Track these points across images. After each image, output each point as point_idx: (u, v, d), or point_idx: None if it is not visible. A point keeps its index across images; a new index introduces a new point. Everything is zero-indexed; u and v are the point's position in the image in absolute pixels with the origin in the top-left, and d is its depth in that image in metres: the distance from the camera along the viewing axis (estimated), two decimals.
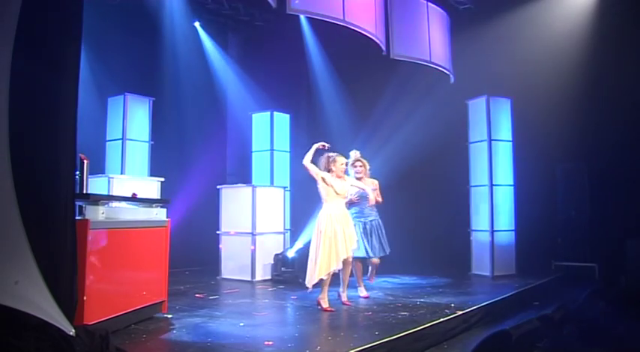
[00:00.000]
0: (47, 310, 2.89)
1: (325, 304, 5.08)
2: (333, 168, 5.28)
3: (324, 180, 5.21)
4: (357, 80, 9.65)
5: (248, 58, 10.70)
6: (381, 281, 6.84)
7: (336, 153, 5.38)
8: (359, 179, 5.83)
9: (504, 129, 7.98)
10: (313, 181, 5.31)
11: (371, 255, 5.75)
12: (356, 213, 5.77)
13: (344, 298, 5.38)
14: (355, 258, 5.56)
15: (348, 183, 5.42)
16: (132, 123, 7.81)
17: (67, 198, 3.20)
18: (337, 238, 5.08)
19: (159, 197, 6.79)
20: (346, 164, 5.58)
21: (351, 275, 5.59)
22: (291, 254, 7.27)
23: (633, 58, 7.37)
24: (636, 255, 6.89)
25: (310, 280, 5.11)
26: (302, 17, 9.26)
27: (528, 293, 6.50)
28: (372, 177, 6.02)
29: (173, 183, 8.00)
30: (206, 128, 9.78)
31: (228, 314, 5.00)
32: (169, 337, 4.08)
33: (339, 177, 5.31)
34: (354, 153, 5.92)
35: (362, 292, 5.85)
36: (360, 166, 5.87)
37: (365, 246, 5.70)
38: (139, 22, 8.53)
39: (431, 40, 7.97)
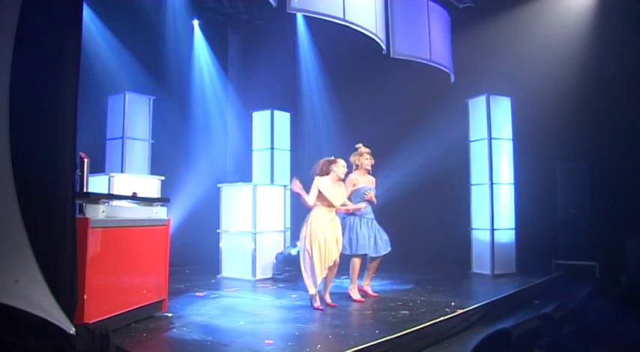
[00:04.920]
0: (47, 309, 2.89)
1: (316, 303, 5.09)
2: (335, 170, 5.23)
3: (320, 191, 5.16)
4: (358, 79, 9.64)
5: (248, 56, 10.71)
6: (382, 280, 6.84)
7: (334, 156, 5.35)
8: (368, 171, 5.85)
9: (505, 128, 7.97)
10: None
11: (382, 252, 5.75)
12: (368, 209, 5.78)
13: (328, 300, 5.32)
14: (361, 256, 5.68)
15: (343, 189, 5.36)
16: (132, 121, 7.80)
17: (67, 196, 3.20)
18: (327, 244, 5.08)
19: (159, 195, 6.79)
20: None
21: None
22: (294, 252, 7.27)
23: (634, 57, 7.37)
24: (637, 253, 6.88)
25: (311, 287, 5.10)
26: (299, 16, 9.26)
27: (528, 292, 6.50)
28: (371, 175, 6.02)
29: (173, 182, 8.01)
30: (206, 126, 9.79)
31: (228, 312, 5.01)
32: (170, 336, 4.08)
33: (339, 179, 5.28)
34: (361, 146, 5.89)
35: (370, 290, 5.95)
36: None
37: (372, 244, 5.69)
38: (139, 21, 8.53)
39: (431, 39, 7.96)
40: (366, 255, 5.72)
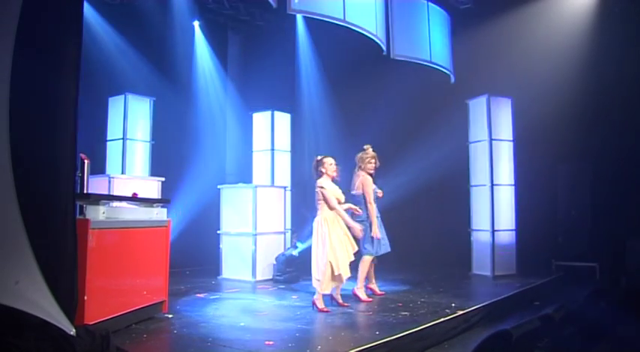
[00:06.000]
0: (48, 310, 2.89)
1: (321, 305, 5.06)
2: (323, 170, 5.24)
3: (327, 191, 5.17)
4: (358, 80, 9.64)
5: (248, 57, 10.71)
6: (382, 281, 6.83)
7: (322, 155, 5.34)
8: (371, 174, 5.86)
9: (505, 129, 7.97)
10: (313, 181, 5.30)
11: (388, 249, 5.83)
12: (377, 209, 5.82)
13: (340, 300, 5.33)
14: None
15: (337, 188, 5.36)
16: (132, 122, 7.80)
17: (67, 197, 3.20)
18: (342, 243, 5.11)
19: (159, 197, 6.79)
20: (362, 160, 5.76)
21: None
22: (295, 253, 7.27)
23: (634, 57, 7.37)
24: (637, 254, 6.89)
25: (328, 287, 5.08)
26: (299, 17, 9.27)
27: (529, 293, 6.50)
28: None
29: (174, 183, 8.01)
30: (207, 127, 9.79)
31: (228, 314, 5.00)
32: (170, 337, 4.08)
33: (330, 177, 5.28)
34: (369, 149, 5.90)
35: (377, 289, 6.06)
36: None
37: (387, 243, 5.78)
38: (140, 22, 8.54)
39: (431, 40, 7.97)
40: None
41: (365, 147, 5.88)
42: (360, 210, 5.55)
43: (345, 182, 5.87)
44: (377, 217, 5.73)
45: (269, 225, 7.47)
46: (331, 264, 4.99)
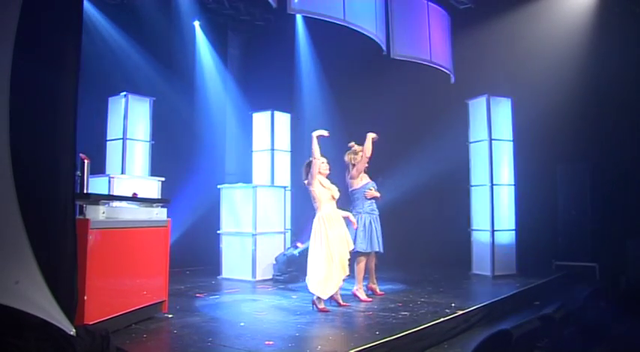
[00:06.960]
0: (48, 310, 2.89)
1: (321, 304, 5.06)
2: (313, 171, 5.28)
3: (321, 183, 5.21)
4: (357, 80, 9.64)
5: (248, 57, 10.72)
6: (382, 281, 6.83)
7: (310, 158, 5.37)
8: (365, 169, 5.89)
9: (505, 129, 7.97)
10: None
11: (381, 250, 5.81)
12: (372, 206, 5.81)
13: (340, 300, 5.33)
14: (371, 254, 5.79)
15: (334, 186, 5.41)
16: (132, 122, 7.78)
17: (67, 197, 3.19)
18: (340, 242, 5.12)
19: (159, 197, 6.79)
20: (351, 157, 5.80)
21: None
22: (295, 253, 7.28)
23: (634, 57, 7.37)
24: (637, 254, 6.89)
25: (326, 290, 5.05)
26: (299, 17, 9.27)
27: (529, 293, 6.50)
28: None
29: (174, 183, 8.00)
30: (206, 127, 9.79)
31: (228, 313, 5.01)
32: (170, 337, 4.09)
33: (323, 175, 5.34)
34: (354, 145, 5.93)
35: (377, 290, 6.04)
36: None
37: (379, 241, 5.76)
38: (140, 21, 8.54)
39: (431, 40, 7.96)
40: (374, 253, 5.76)
41: (350, 144, 5.91)
42: (356, 224, 5.58)
43: (344, 183, 5.89)
44: (368, 214, 5.74)
45: (269, 225, 7.47)
46: (331, 269, 5.02)
